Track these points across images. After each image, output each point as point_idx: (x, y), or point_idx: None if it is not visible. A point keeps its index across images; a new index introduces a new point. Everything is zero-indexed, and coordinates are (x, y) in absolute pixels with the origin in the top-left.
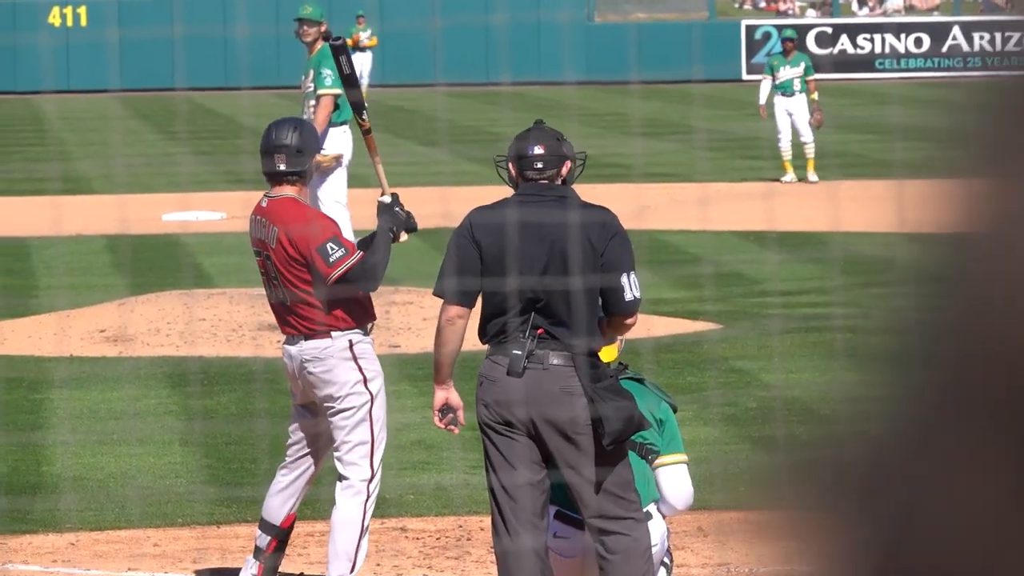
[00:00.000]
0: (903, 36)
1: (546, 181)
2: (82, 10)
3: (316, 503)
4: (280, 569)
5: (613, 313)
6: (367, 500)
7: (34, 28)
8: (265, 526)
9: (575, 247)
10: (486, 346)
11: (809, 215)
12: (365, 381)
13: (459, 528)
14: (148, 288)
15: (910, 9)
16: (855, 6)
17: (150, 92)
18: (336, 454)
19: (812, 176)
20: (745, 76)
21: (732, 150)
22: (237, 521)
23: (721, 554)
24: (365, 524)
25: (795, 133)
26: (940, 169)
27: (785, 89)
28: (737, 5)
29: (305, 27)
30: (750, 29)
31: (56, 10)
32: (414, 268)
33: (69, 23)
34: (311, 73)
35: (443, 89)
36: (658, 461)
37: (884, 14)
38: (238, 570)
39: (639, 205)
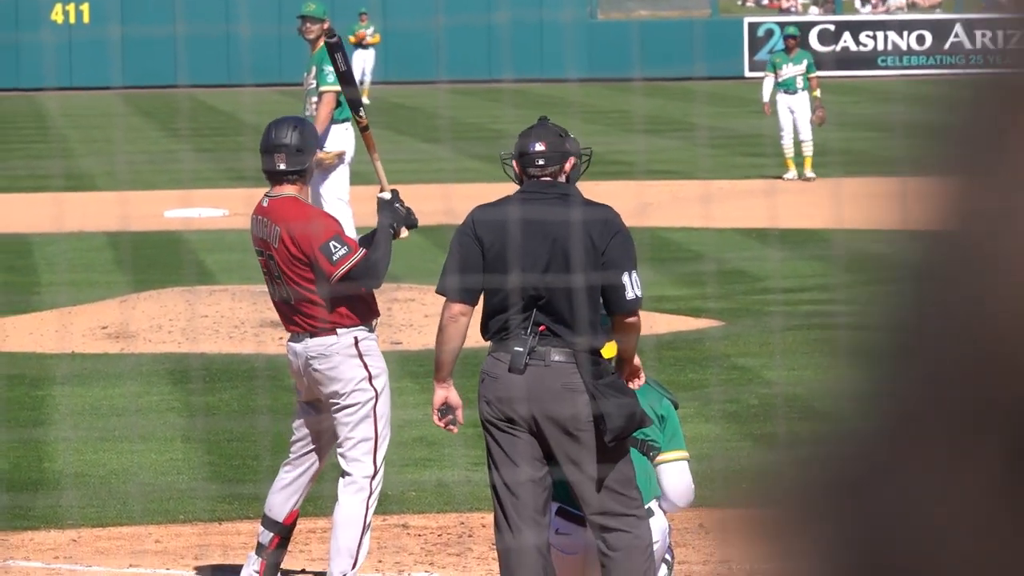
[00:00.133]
0: (905, 33)
1: (548, 178)
2: (84, 7)
3: (318, 499)
4: (282, 565)
5: (614, 312)
6: (370, 497)
7: (37, 25)
8: (268, 522)
9: (577, 245)
10: (488, 343)
11: (811, 212)
12: (370, 378)
13: (461, 525)
14: (150, 285)
15: (912, 6)
16: (857, 3)
17: (152, 89)
18: (339, 450)
19: (809, 173)
20: (747, 73)
21: (734, 147)
22: (239, 518)
23: (723, 551)
24: (367, 521)
25: (795, 130)
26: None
27: (787, 87)
28: (740, 2)
29: (308, 24)
30: (752, 26)
31: (59, 7)
32: (416, 265)
33: (72, 20)
34: (313, 70)
35: (445, 86)
36: (659, 458)
37: (887, 11)
38: (240, 567)
39: (641, 202)
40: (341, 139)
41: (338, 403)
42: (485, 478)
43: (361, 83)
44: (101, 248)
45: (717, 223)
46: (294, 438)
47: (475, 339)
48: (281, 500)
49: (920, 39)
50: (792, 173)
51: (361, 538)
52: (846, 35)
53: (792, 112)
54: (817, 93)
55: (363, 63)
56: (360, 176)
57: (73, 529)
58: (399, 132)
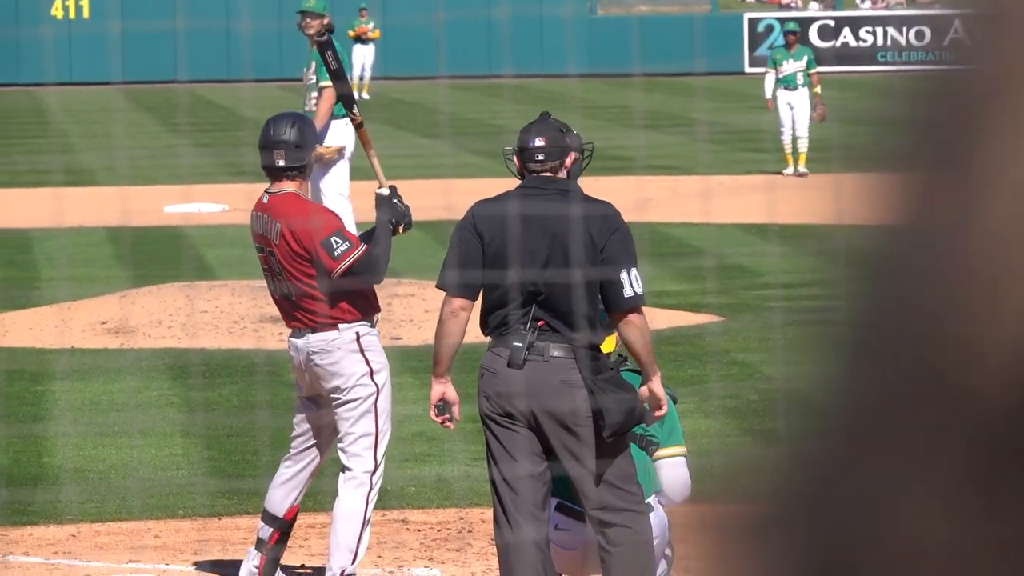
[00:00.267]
0: (905, 29)
1: (548, 174)
2: (84, 2)
3: (318, 495)
4: (282, 561)
5: (612, 309)
6: (370, 492)
7: (37, 20)
8: (268, 518)
9: (576, 241)
10: (488, 338)
11: (811, 208)
12: (371, 373)
13: (460, 520)
14: (150, 280)
15: (912, 2)
16: None
17: (152, 84)
18: (340, 445)
19: (802, 169)
20: (747, 69)
21: (734, 143)
22: (238, 513)
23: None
24: (367, 516)
25: (793, 127)
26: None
27: (787, 83)
28: None
29: (308, 19)
30: (752, 22)
31: (59, 2)
32: (416, 260)
33: (72, 15)
34: (313, 65)
35: (445, 82)
36: (658, 453)
37: (887, 7)
38: (239, 562)
39: (641, 197)
40: (341, 134)
41: (339, 398)
42: (484, 473)
43: (361, 79)
44: (101, 243)
45: (717, 218)
46: (294, 433)
47: (474, 334)
48: (281, 495)
49: (920, 35)
50: (792, 169)
51: (361, 533)
52: (846, 30)
53: (791, 108)
54: (818, 90)
55: (363, 58)
56: (360, 171)
57: (72, 524)
58: (399, 127)
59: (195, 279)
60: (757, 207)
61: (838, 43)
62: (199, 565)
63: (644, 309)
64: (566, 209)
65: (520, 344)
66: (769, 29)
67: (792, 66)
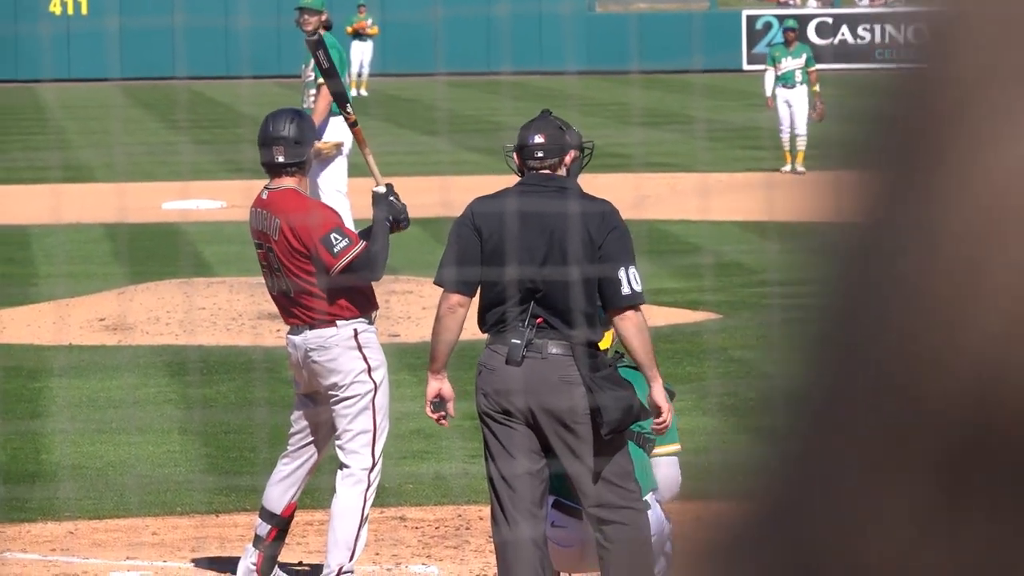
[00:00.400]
0: (903, 26)
1: (547, 171)
2: None
3: (316, 492)
4: (279, 558)
5: (610, 307)
6: (367, 489)
7: (35, 16)
8: (265, 515)
9: (574, 238)
10: (485, 335)
11: (809, 205)
12: (369, 370)
13: (458, 517)
14: (148, 277)
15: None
16: None
17: (151, 81)
18: (338, 442)
19: (800, 167)
20: (746, 66)
21: (732, 140)
22: (236, 510)
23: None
24: (365, 513)
25: (791, 124)
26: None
27: (786, 80)
28: None
29: (306, 16)
30: (751, 19)
31: None
32: (414, 258)
33: (70, 11)
34: (312, 63)
35: (444, 78)
36: (655, 451)
37: (885, 4)
38: (237, 559)
39: (639, 195)
40: (339, 130)
41: (337, 395)
42: (482, 470)
43: (359, 75)
44: (99, 240)
45: (715, 216)
46: (292, 430)
47: (472, 331)
48: (279, 492)
49: (919, 32)
50: (789, 166)
51: (359, 530)
52: (844, 28)
53: (790, 106)
54: (817, 88)
55: (361, 55)
56: (358, 168)
57: (70, 521)
58: (397, 124)
59: (193, 276)
60: (755, 204)
61: (836, 40)
62: (197, 562)
63: (643, 307)
64: (564, 206)
65: (518, 341)
66: (768, 26)
67: (791, 63)
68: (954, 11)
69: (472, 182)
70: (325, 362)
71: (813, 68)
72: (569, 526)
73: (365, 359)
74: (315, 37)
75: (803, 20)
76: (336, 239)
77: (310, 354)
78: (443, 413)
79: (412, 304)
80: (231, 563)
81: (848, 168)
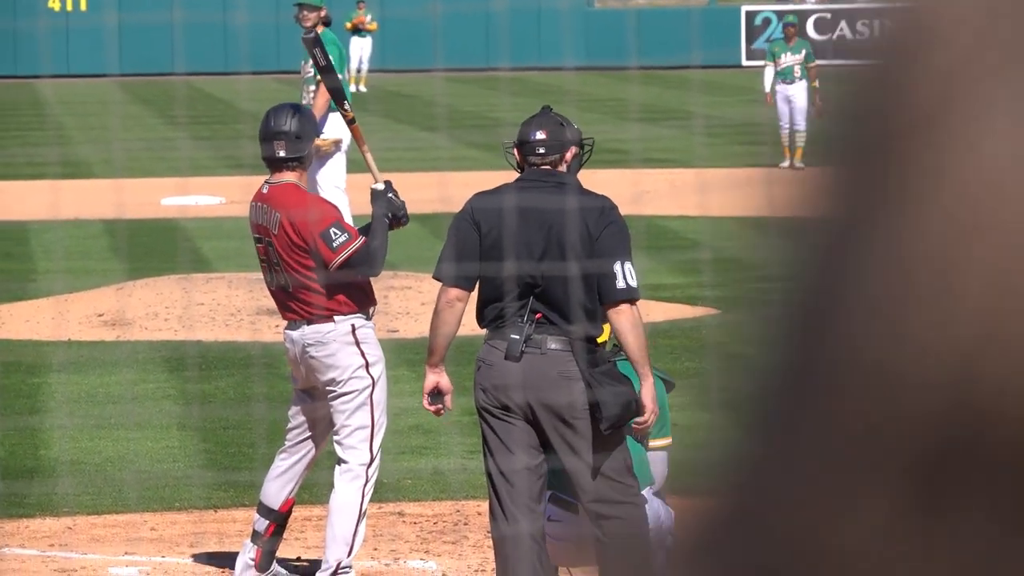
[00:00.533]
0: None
1: (548, 167)
2: None
3: (314, 487)
4: (278, 553)
5: (605, 301)
6: (366, 484)
7: (34, 12)
8: (263, 510)
9: (572, 233)
10: (484, 331)
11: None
12: (367, 366)
13: (456, 513)
14: (146, 272)
15: None
16: None
17: (149, 77)
18: (336, 438)
19: (799, 163)
20: (745, 62)
21: (731, 136)
22: (234, 505)
23: None
24: (363, 508)
25: (791, 120)
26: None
27: (785, 76)
28: None
29: (305, 12)
30: (750, 15)
31: None
32: (412, 253)
33: (69, 7)
34: (311, 59)
35: (443, 74)
36: (650, 445)
37: None
38: (235, 554)
39: (638, 190)
40: (338, 127)
41: (335, 391)
42: (481, 466)
43: (359, 71)
44: (97, 236)
45: (714, 211)
46: (290, 426)
47: (471, 326)
48: (277, 488)
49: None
50: (788, 162)
51: (357, 526)
52: (843, 23)
53: (790, 102)
54: (816, 83)
55: (360, 51)
56: (357, 164)
57: (68, 517)
58: (396, 120)
59: (192, 271)
60: (754, 200)
61: (835, 36)
62: (195, 557)
63: (641, 303)
64: (563, 202)
65: (517, 336)
66: (767, 22)
67: (790, 59)
68: (931, 6)
69: (471, 178)
70: (323, 357)
71: (813, 64)
72: (565, 520)
73: (363, 355)
74: (311, 35)
75: (802, 16)
76: (335, 234)
77: (307, 349)
78: (440, 406)
79: (411, 300)
80: (229, 558)
81: (825, 164)
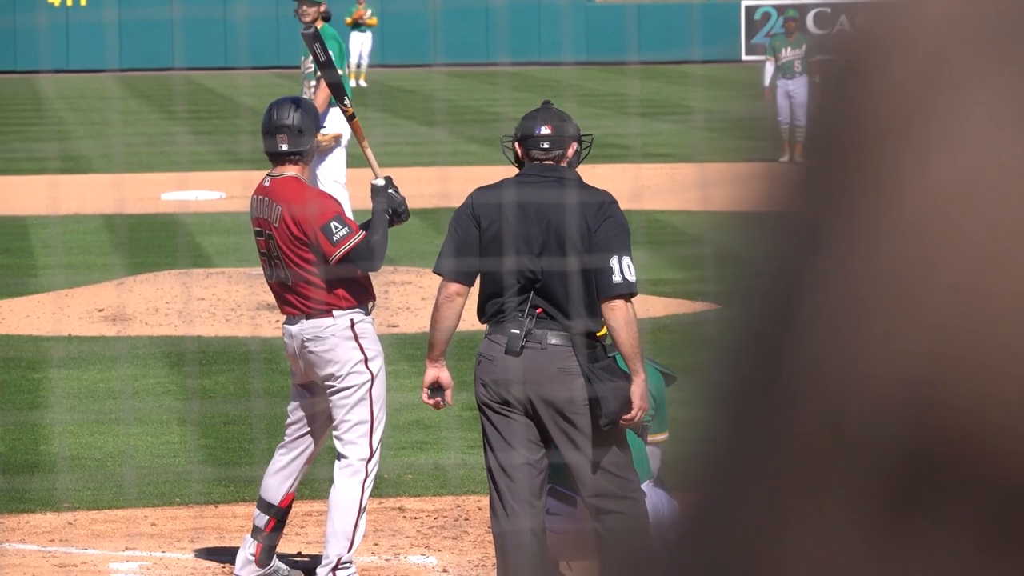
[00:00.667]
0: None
1: (551, 162)
2: None
3: (314, 482)
4: (278, 548)
5: (602, 295)
6: (365, 479)
7: (33, 7)
8: (263, 505)
9: (572, 228)
10: (485, 326)
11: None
12: (366, 361)
13: (457, 508)
14: (146, 268)
15: None
16: None
17: (149, 72)
18: (335, 433)
19: (799, 159)
20: (744, 57)
21: (731, 131)
22: (235, 500)
23: None
24: (363, 504)
25: (792, 115)
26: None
27: (785, 71)
28: None
29: (304, 7)
30: (750, 10)
31: None
32: (413, 248)
33: (68, 2)
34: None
35: (442, 69)
36: (649, 439)
37: None
38: (236, 549)
39: (638, 185)
40: (338, 122)
41: (334, 385)
42: (481, 461)
43: (358, 66)
44: (97, 231)
45: (714, 206)
46: (289, 421)
47: (471, 321)
48: (276, 483)
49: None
50: (787, 156)
51: (357, 521)
52: (843, 18)
53: (790, 97)
54: (817, 78)
55: (360, 46)
56: (357, 159)
57: (69, 512)
58: (396, 115)
59: (192, 267)
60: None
61: (835, 30)
62: (195, 553)
63: (642, 297)
64: (563, 197)
65: (518, 331)
66: (766, 17)
67: (791, 54)
68: (895, 10)
69: (471, 173)
70: (321, 352)
71: (815, 58)
72: (564, 514)
73: (362, 349)
74: (311, 30)
75: (803, 10)
76: (336, 227)
77: (306, 344)
78: (439, 399)
79: (411, 294)
80: (230, 553)
81: (791, 172)
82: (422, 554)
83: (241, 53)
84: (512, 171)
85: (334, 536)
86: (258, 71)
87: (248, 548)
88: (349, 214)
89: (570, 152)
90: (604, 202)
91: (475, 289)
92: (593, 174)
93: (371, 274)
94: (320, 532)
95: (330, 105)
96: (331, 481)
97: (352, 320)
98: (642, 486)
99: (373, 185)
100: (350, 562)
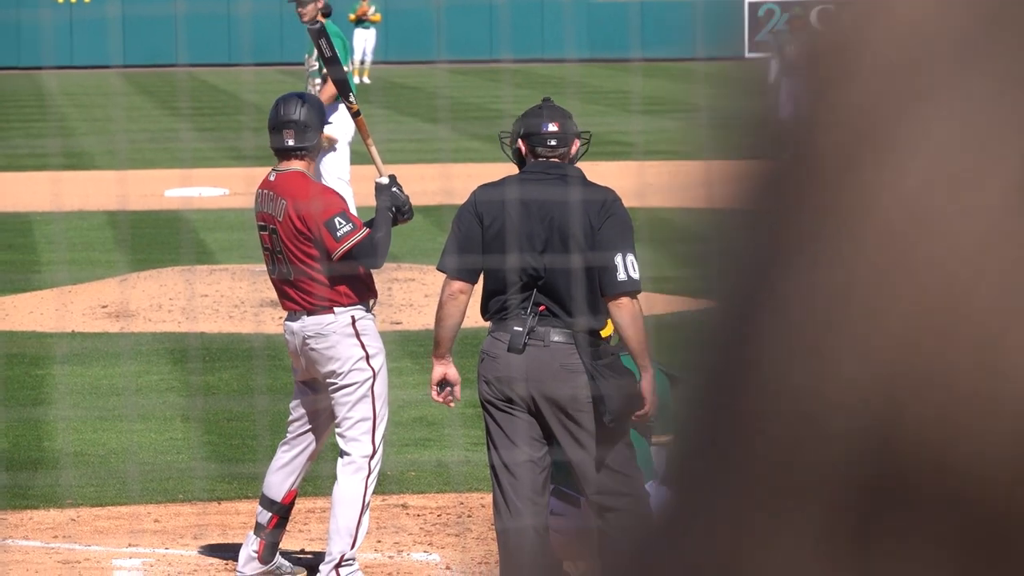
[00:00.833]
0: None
1: (557, 159)
2: None
3: (317, 479)
4: (281, 545)
5: (605, 293)
6: (368, 476)
7: (37, 3)
8: (266, 502)
9: (575, 226)
10: (488, 323)
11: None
12: (367, 357)
13: (460, 505)
14: (150, 264)
15: None
16: None
17: (153, 68)
18: (338, 430)
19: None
20: (748, 54)
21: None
22: (238, 497)
23: None
24: (366, 501)
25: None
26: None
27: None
28: None
29: (301, 8)
30: (753, 7)
31: None
32: (416, 245)
33: None
34: (315, 52)
35: (446, 66)
36: (654, 440)
37: None
38: (239, 546)
39: (642, 183)
40: (344, 119)
41: (335, 383)
42: (484, 458)
43: (362, 63)
44: (101, 227)
45: (719, 204)
46: (291, 418)
47: (475, 319)
48: (279, 480)
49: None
50: None
51: (360, 518)
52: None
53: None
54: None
55: (364, 43)
56: (361, 156)
57: (72, 508)
58: (399, 112)
59: (195, 263)
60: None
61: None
62: (198, 549)
63: (645, 295)
64: (566, 194)
65: (520, 329)
66: (770, 13)
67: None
68: (852, 27)
69: (474, 170)
70: (323, 349)
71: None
72: (568, 514)
73: (363, 346)
74: (317, 25)
75: (806, 6)
76: (340, 223)
77: (308, 341)
78: (449, 390)
79: (414, 292)
80: (233, 550)
81: (752, 187)
82: (425, 551)
83: (245, 49)
84: (515, 168)
85: (337, 533)
86: (262, 67)
87: (251, 545)
88: (353, 211)
89: (573, 149)
90: (607, 199)
91: (479, 286)
92: (596, 171)
93: (374, 271)
94: (323, 529)
95: (336, 102)
96: (334, 478)
97: (353, 317)
98: (647, 486)
99: (377, 183)
100: (353, 559)
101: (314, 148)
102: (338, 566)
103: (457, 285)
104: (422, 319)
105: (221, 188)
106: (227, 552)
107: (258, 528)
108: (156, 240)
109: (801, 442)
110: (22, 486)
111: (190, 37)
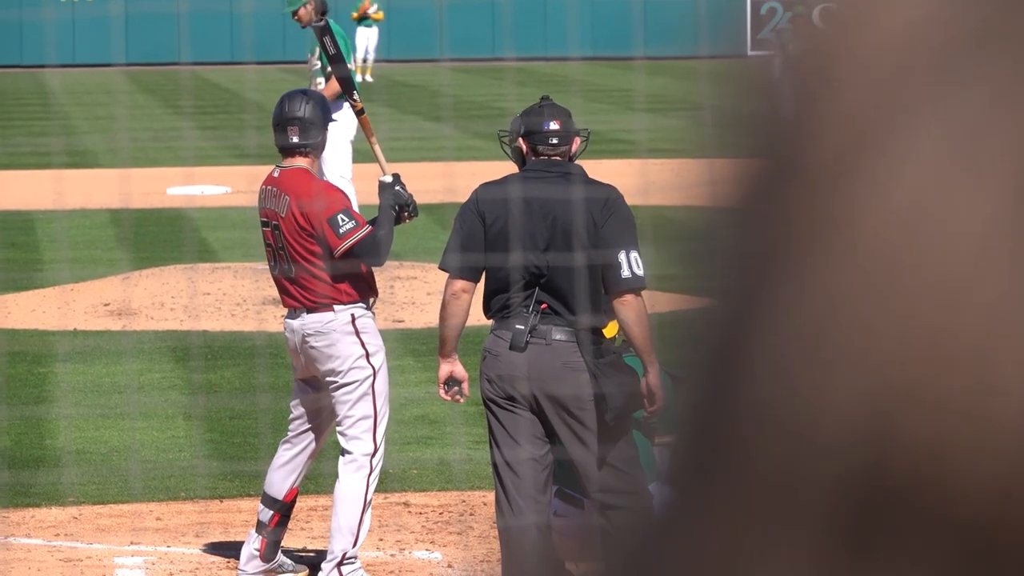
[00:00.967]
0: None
1: (558, 157)
2: None
3: (319, 477)
4: (283, 543)
5: (610, 291)
6: (370, 474)
7: (40, 2)
8: (267, 500)
9: (577, 223)
10: (491, 321)
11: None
12: (367, 355)
13: (462, 503)
14: (152, 262)
15: None
16: None
17: (156, 66)
18: (339, 428)
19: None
20: (751, 52)
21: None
22: (240, 495)
23: None
24: (368, 499)
25: None
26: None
27: None
28: None
29: (294, 17)
30: (756, 5)
31: None
32: (418, 243)
33: None
34: (318, 51)
35: (448, 64)
36: (656, 441)
37: None
38: (241, 544)
39: (645, 181)
40: (348, 116)
41: (336, 381)
42: (486, 456)
43: (364, 61)
44: (103, 225)
45: (721, 202)
46: (292, 416)
47: (477, 317)
48: (280, 478)
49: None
50: None
51: (362, 516)
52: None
53: None
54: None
55: (367, 41)
56: (365, 154)
57: (74, 506)
58: (402, 110)
59: (197, 261)
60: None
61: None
62: (201, 548)
63: (648, 293)
64: (568, 192)
65: (522, 327)
66: (772, 12)
67: None
68: (840, 38)
69: (477, 168)
70: (323, 347)
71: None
72: (571, 515)
73: (363, 344)
74: (321, 23)
75: (809, 5)
76: (343, 220)
77: (307, 339)
78: (456, 389)
79: (416, 290)
80: (235, 548)
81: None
82: (427, 549)
83: (247, 48)
84: (513, 167)
85: (339, 531)
86: (264, 66)
87: (253, 543)
88: (355, 209)
89: (573, 147)
90: (610, 197)
91: (481, 284)
92: (599, 169)
93: (376, 269)
94: (325, 527)
95: (339, 99)
96: (336, 476)
97: (353, 315)
98: (650, 487)
99: (381, 182)
100: (355, 557)
101: (318, 145)
102: (340, 564)
103: (459, 284)
104: (424, 317)
105: (223, 186)
106: (229, 550)
107: (260, 526)
108: (158, 238)
109: (794, 454)
110: (24, 484)
111: (193, 35)
